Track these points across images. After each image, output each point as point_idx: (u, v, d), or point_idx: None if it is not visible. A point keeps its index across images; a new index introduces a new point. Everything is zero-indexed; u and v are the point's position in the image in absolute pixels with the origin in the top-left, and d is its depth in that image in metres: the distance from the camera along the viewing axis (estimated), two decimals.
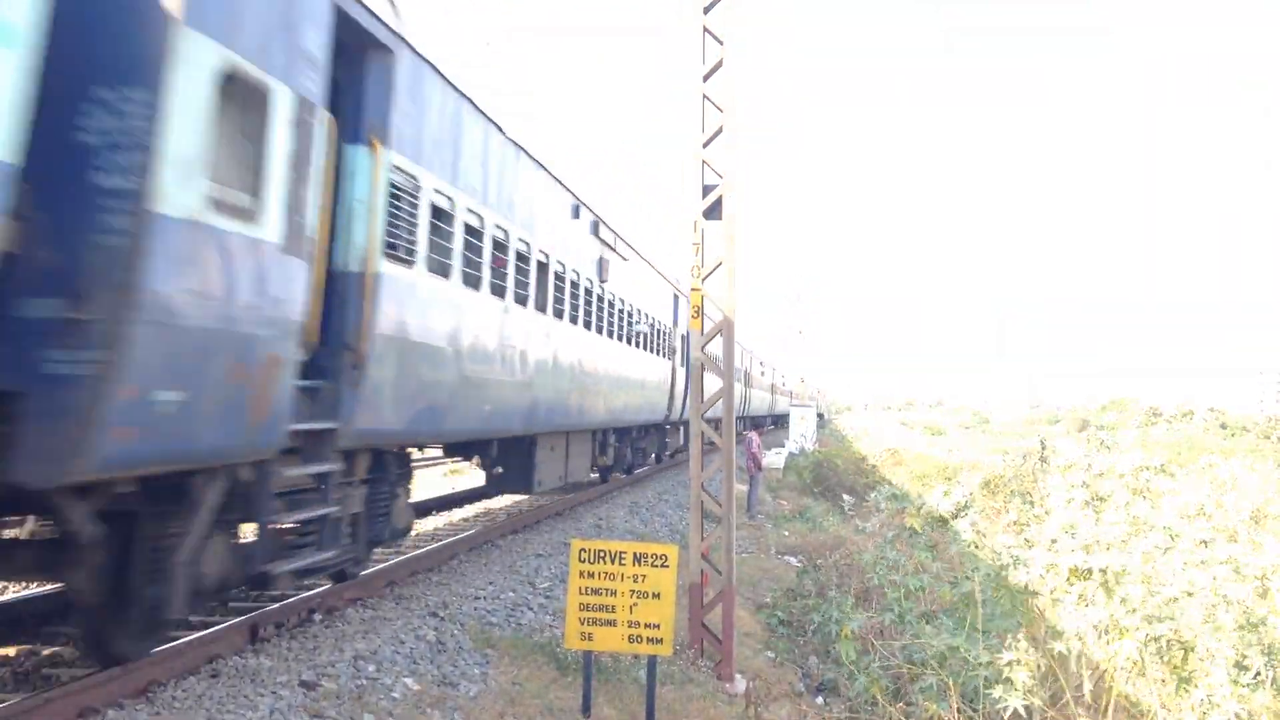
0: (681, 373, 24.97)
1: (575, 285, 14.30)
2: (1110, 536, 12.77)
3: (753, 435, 21.61)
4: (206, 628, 7.48)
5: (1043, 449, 24.87)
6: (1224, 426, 62.39)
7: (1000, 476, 21.58)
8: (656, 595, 6.32)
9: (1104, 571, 11.16)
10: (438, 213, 8.91)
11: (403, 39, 8.08)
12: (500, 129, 10.69)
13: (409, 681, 6.73)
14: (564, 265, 13.58)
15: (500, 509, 16.73)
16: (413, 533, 11.61)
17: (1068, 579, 11.67)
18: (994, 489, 20.50)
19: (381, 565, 10.09)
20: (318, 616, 8.13)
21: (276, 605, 7.99)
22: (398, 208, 8.02)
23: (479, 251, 10.04)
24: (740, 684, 8.49)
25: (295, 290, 6.35)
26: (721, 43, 9.24)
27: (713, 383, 11.01)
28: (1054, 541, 11.57)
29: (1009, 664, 8.18)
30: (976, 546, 16.12)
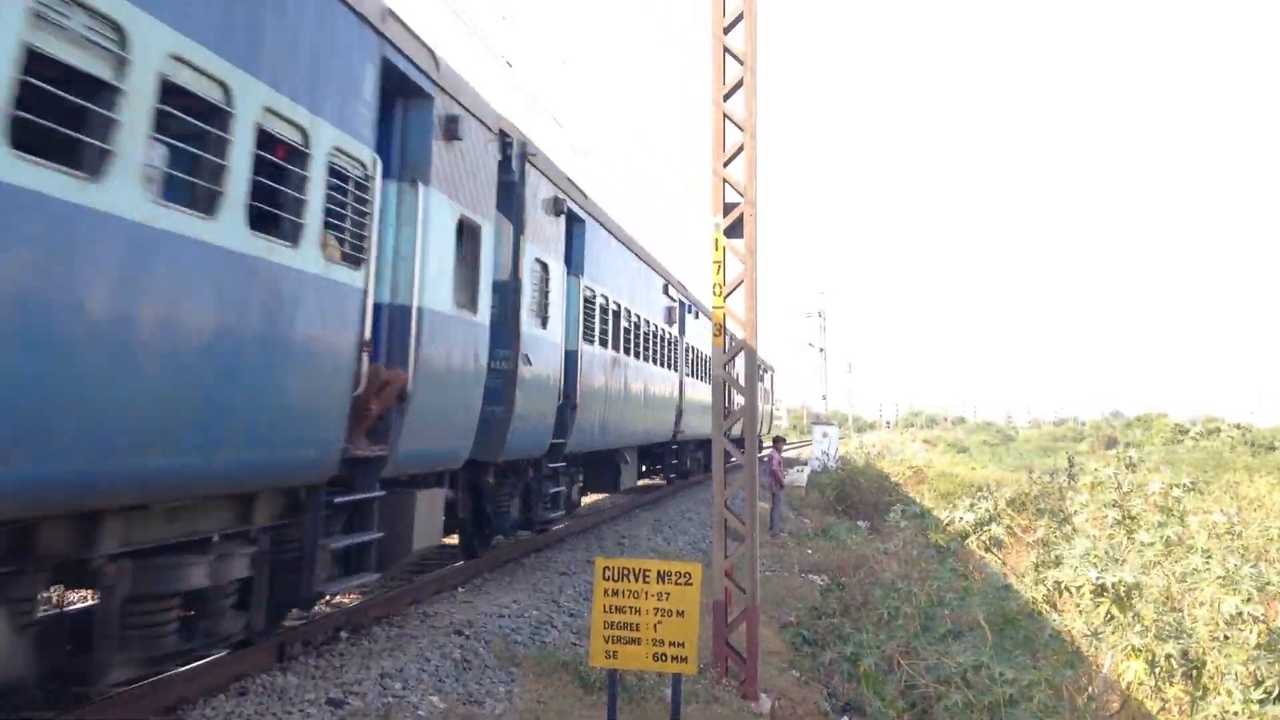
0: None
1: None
2: (1140, 557, 12.73)
3: (773, 452, 21.54)
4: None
5: (1070, 467, 24.72)
6: (1250, 443, 61.66)
7: (1027, 494, 21.45)
8: (681, 613, 6.31)
9: (1115, 588, 11.13)
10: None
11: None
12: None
13: (435, 700, 6.76)
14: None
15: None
16: (443, 544, 14.08)
17: (1090, 597, 11.64)
18: (1020, 506, 20.38)
19: (406, 586, 10.13)
20: (344, 634, 8.19)
21: (303, 623, 8.06)
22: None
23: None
24: (765, 703, 8.46)
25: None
26: (741, 62, 9.30)
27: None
28: (1087, 564, 11.54)
29: (1029, 684, 8.17)
30: (981, 564, 15.97)
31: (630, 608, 6.30)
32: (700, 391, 24.34)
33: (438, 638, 8.27)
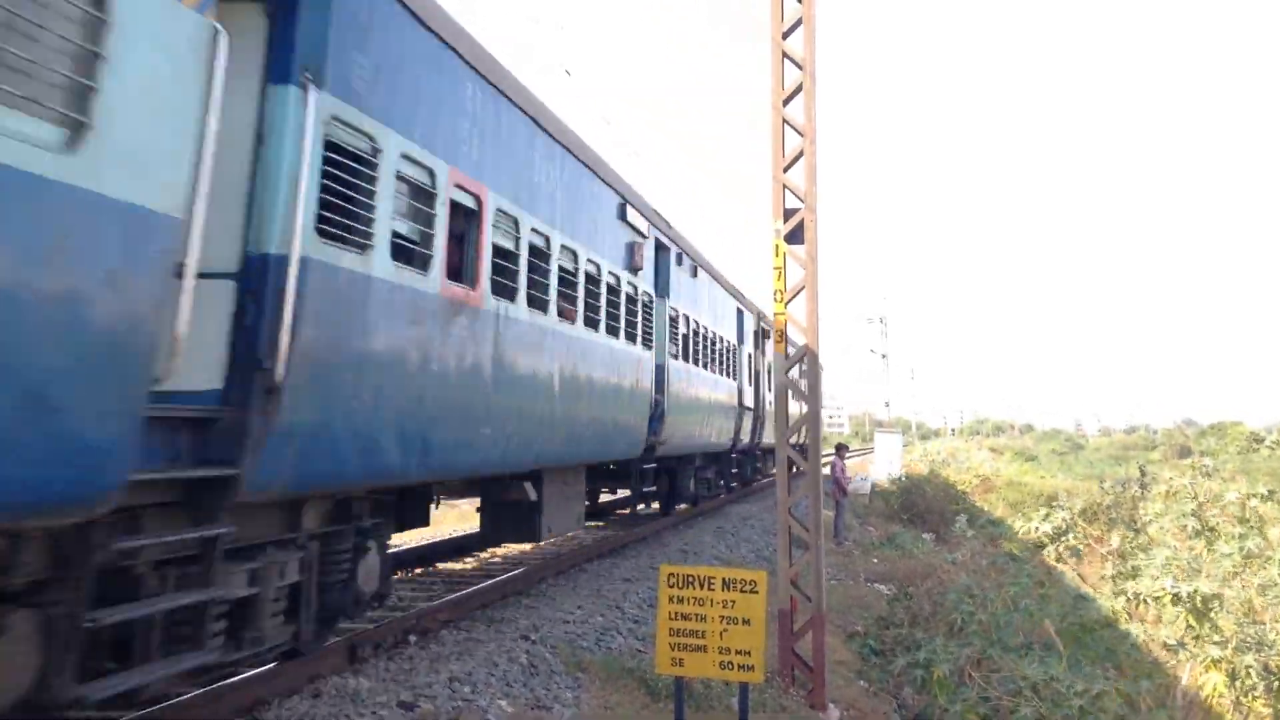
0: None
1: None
2: (1219, 568, 12.44)
3: (836, 459, 21.37)
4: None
5: (1143, 476, 24.21)
6: None
7: (1098, 504, 21.05)
8: (747, 621, 6.30)
9: (1192, 599, 10.87)
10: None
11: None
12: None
13: (503, 704, 6.82)
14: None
15: (585, 532, 16.85)
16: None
17: (1171, 608, 11.38)
18: (1092, 516, 20.02)
19: (473, 589, 10.24)
20: (413, 638, 8.30)
21: (374, 626, 8.19)
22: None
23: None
24: (834, 713, 8.39)
25: None
26: (801, 67, 9.29)
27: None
28: (1166, 574, 11.31)
29: (1099, 694, 8.02)
30: (1056, 575, 15.73)
31: (696, 615, 6.31)
32: (704, 386, 17.54)
33: (504, 642, 8.34)
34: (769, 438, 25.91)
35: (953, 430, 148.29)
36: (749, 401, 22.74)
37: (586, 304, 10.88)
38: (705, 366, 17.69)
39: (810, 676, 8.61)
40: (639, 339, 13.01)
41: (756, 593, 6.31)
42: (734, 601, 6.32)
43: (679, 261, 15.70)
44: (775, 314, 9.27)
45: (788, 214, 9.29)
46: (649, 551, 14.82)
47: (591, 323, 11.05)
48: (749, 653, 6.24)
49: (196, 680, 6.36)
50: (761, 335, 25.33)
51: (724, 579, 6.39)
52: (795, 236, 9.26)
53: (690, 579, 6.42)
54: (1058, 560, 18.01)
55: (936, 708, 8.78)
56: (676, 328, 15.54)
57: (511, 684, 7.30)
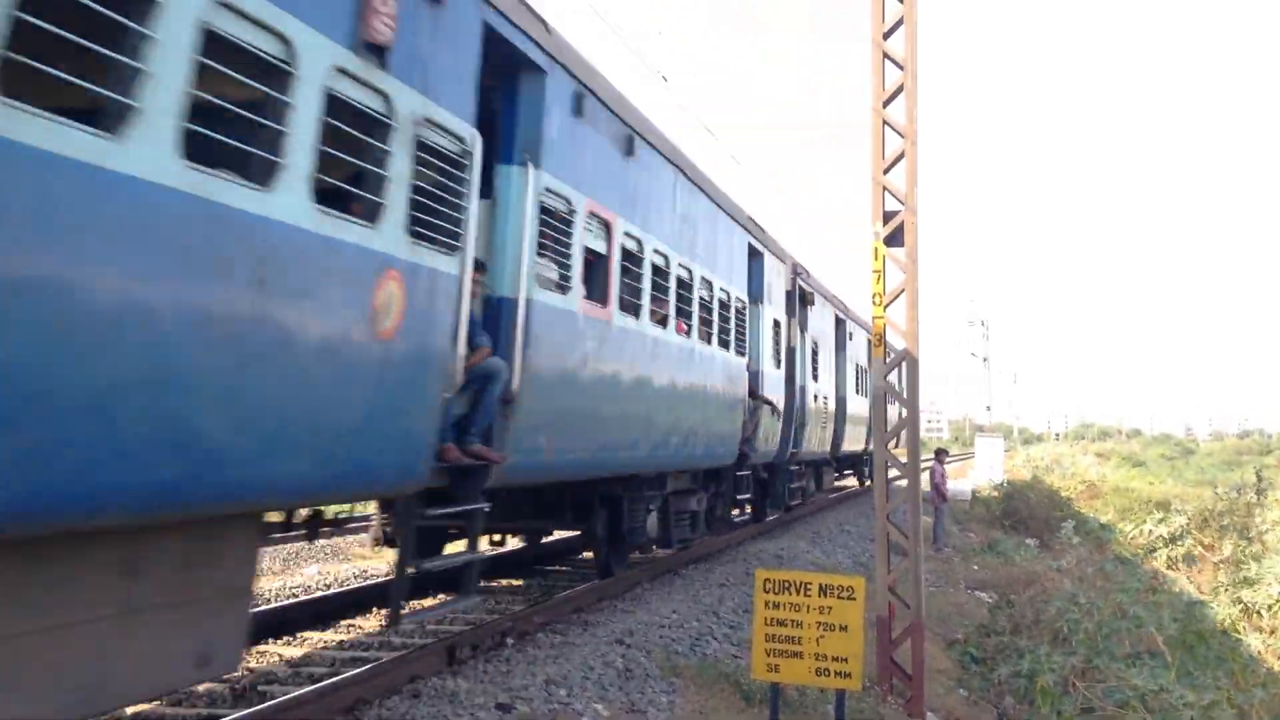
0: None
1: None
2: None
3: (935, 464, 20.98)
4: (406, 648, 7.88)
5: (1259, 482, 23.16)
6: None
7: (1210, 510, 20.28)
8: (844, 628, 6.22)
9: None
10: None
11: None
12: None
13: (599, 707, 6.87)
14: None
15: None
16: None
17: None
18: (1203, 523, 19.30)
19: (567, 592, 10.34)
20: (510, 640, 8.41)
21: (471, 628, 8.33)
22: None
23: None
24: None
25: None
26: (902, 68, 9.14)
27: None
28: (1275, 580, 10.81)
29: (1211, 704, 7.71)
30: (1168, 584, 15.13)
31: (792, 621, 6.25)
32: (657, 357, 10.15)
33: (599, 646, 8.39)
34: (815, 445, 19.35)
35: (1056, 435, 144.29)
36: (771, 392, 15.13)
37: (117, 83, 3.64)
38: (664, 324, 10.45)
39: (909, 685, 8.47)
40: (397, 219, 5.52)
41: (854, 599, 6.23)
42: (831, 608, 6.25)
43: (576, 109, 8.11)
44: (874, 317, 9.15)
45: (887, 216, 9.16)
46: (744, 557, 14.76)
47: (140, 133, 3.68)
48: (846, 660, 6.16)
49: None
50: (800, 299, 17.73)
51: (821, 585, 6.32)
52: (895, 239, 9.12)
53: (786, 584, 6.36)
54: (1168, 566, 17.41)
55: (1039, 717, 8.56)
56: (567, 231, 7.99)
57: (607, 688, 7.35)
